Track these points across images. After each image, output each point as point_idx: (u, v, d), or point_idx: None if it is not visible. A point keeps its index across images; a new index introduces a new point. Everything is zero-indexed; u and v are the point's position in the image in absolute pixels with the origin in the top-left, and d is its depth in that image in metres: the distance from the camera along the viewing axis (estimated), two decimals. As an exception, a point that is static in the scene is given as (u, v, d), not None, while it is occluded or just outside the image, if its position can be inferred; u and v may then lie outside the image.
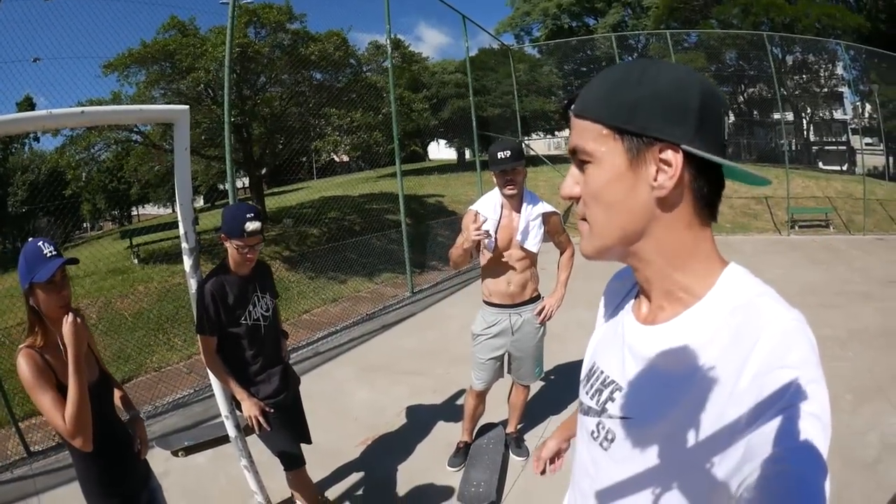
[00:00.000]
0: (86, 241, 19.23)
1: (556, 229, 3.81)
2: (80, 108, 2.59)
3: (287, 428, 3.28)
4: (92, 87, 15.88)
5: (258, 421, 3.02)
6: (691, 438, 0.81)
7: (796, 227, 16.04)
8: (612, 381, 1.00)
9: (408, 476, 4.11)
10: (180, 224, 3.12)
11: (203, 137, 13.64)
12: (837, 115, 34.99)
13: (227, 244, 2.96)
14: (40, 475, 4.57)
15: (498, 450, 4.24)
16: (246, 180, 18.07)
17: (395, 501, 3.86)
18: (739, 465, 0.72)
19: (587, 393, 1.07)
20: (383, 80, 14.76)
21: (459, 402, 5.13)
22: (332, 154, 15.81)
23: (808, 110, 33.92)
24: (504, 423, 4.51)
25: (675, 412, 0.84)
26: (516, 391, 4.17)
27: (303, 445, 3.40)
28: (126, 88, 12.75)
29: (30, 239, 2.20)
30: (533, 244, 3.66)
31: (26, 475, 4.60)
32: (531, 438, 4.48)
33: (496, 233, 3.62)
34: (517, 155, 3.47)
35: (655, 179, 0.85)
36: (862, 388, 5.07)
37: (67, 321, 2.07)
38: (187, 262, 3.16)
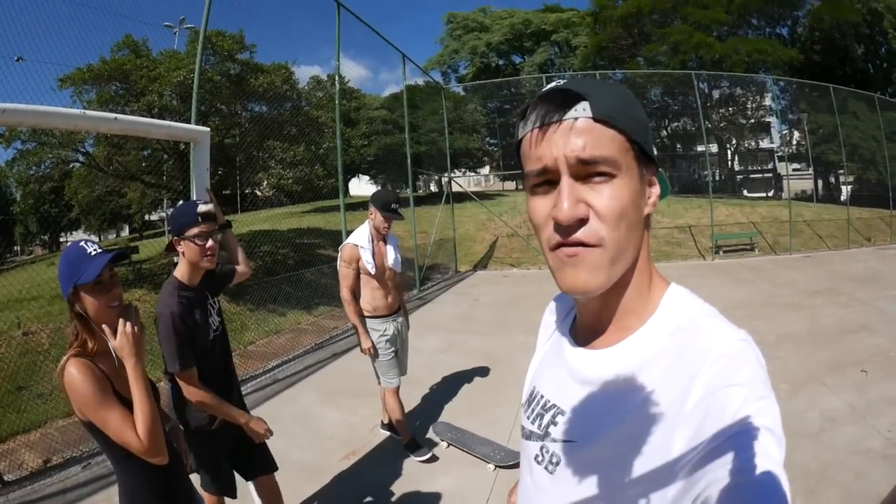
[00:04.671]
0: (18, 266, 18.58)
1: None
2: (113, 115, 2.63)
3: (227, 448, 3.02)
4: (36, 100, 15.38)
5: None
6: (638, 460, 0.79)
7: (721, 253, 16.65)
8: (554, 406, 0.98)
9: (395, 483, 4.29)
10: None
11: (144, 164, 13.49)
12: (764, 144, 36.82)
13: (183, 245, 2.69)
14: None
15: (462, 432, 4.93)
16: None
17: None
18: (692, 483, 0.71)
19: (528, 417, 1.05)
20: (324, 115, 14.85)
21: (425, 416, 5.45)
22: (265, 187, 15.69)
23: (734, 141, 35.51)
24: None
25: (619, 435, 0.82)
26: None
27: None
28: (77, 106, 12.22)
29: (69, 242, 2.11)
30: (399, 266, 4.75)
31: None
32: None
33: (374, 258, 4.52)
34: (400, 208, 4.56)
35: (649, 197, 0.89)
36: (796, 379, 5.70)
37: (123, 329, 1.94)
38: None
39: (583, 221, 0.81)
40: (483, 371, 6.60)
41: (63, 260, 1.98)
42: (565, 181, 0.81)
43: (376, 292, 4.62)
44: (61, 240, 34.63)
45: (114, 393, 1.94)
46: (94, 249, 1.98)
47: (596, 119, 0.80)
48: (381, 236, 4.61)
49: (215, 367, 2.86)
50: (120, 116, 2.60)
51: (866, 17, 29.55)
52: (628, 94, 0.87)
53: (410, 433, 4.82)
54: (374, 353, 4.56)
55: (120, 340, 1.94)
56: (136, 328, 1.98)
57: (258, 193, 17.07)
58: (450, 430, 4.93)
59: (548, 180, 0.84)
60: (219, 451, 2.98)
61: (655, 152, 0.87)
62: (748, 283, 11.57)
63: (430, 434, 5.00)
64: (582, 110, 0.81)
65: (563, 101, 0.82)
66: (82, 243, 2.01)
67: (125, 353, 1.95)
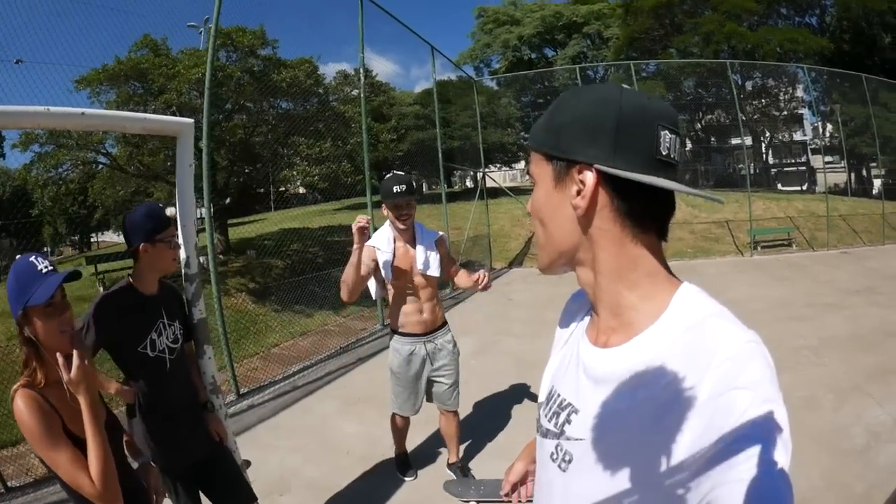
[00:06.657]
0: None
1: (444, 250, 3.97)
2: (80, 109, 2.42)
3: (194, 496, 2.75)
4: (56, 103, 15.50)
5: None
6: (644, 459, 0.81)
7: (759, 248, 16.36)
8: (569, 404, 1.00)
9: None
10: (182, 249, 2.93)
11: (168, 164, 13.43)
12: (797, 136, 36.16)
13: (147, 250, 2.54)
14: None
15: (480, 483, 4.18)
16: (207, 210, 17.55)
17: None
18: (697, 484, 0.72)
19: (546, 416, 1.07)
20: (350, 110, 14.68)
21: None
22: (298, 185, 15.60)
23: (767, 134, 34.90)
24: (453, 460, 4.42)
25: (629, 434, 0.84)
26: (447, 419, 4.21)
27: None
28: (96, 107, 12.28)
29: (18, 256, 1.88)
30: (435, 270, 3.84)
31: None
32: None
33: (392, 264, 3.74)
34: (411, 189, 3.68)
35: (574, 199, 0.90)
36: (840, 387, 5.40)
37: (74, 364, 1.73)
38: (189, 290, 2.95)
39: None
40: (517, 378, 6.27)
41: (12, 276, 1.81)
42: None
43: (407, 307, 3.87)
44: (92, 240, 35.19)
45: (64, 430, 1.78)
46: (46, 266, 1.83)
47: (528, 146, 1.01)
48: (406, 236, 3.80)
49: (148, 384, 2.58)
50: (87, 111, 2.39)
51: (893, 6, 28.66)
52: (557, 106, 0.95)
53: (403, 448, 4.46)
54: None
55: (76, 374, 1.73)
56: (87, 367, 1.77)
57: (284, 190, 16.96)
58: (463, 485, 4.17)
59: None
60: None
61: (612, 145, 0.86)
62: (788, 282, 11.29)
63: (447, 493, 4.19)
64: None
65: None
66: (32, 258, 1.85)
67: (80, 391, 1.75)
